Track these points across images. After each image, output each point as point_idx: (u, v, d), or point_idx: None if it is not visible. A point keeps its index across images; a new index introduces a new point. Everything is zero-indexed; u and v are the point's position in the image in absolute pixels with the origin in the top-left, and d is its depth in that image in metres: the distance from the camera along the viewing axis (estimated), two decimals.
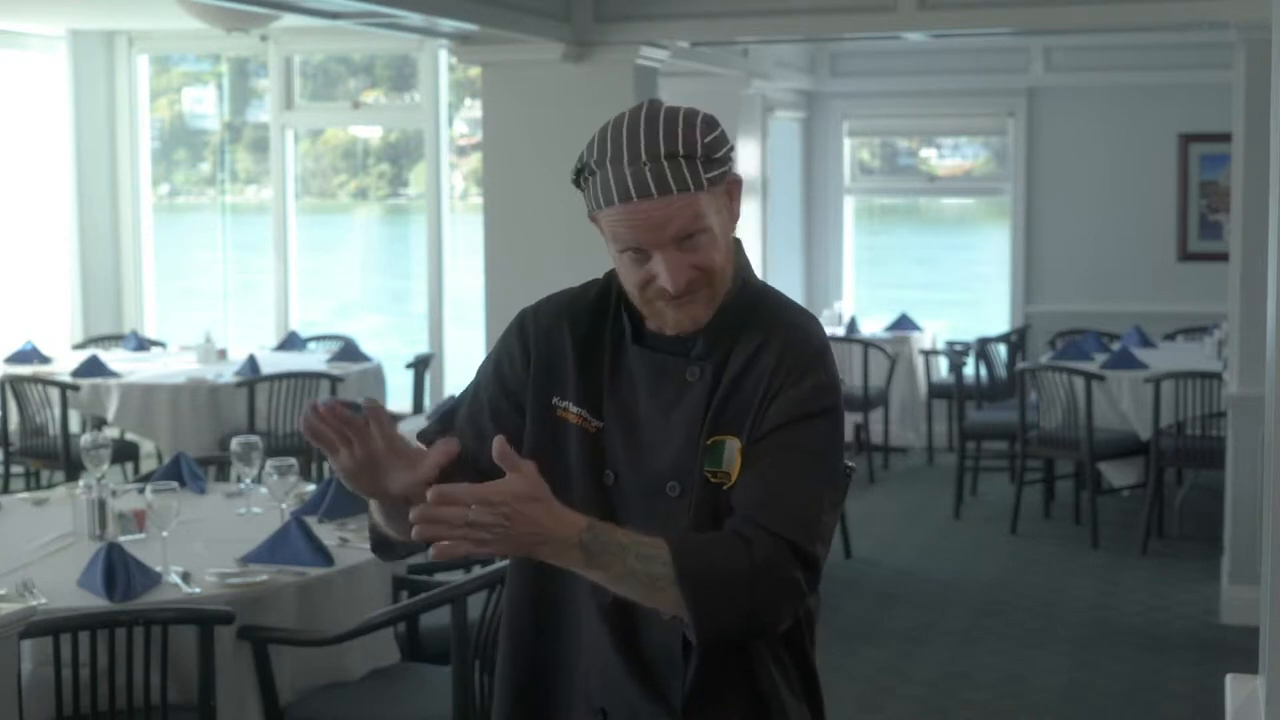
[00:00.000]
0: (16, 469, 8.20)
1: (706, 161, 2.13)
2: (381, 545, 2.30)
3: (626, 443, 2.20)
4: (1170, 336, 9.68)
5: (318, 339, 9.49)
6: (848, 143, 11.35)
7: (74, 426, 8.18)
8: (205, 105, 11.15)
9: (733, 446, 2.14)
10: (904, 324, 10.43)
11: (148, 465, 8.47)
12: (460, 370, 9.71)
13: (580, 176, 2.18)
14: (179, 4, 7.19)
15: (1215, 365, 8.04)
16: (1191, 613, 6.90)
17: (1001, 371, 9.83)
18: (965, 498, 8.90)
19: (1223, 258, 7.80)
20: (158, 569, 3.99)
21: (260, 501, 4.71)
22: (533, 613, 2.28)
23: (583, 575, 2.06)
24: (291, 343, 9.26)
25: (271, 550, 4.14)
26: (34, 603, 3.66)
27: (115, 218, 10.48)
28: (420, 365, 8.90)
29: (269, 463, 4.50)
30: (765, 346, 2.16)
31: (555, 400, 2.23)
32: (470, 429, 2.29)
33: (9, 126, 9.90)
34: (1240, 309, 6.53)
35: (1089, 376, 7.95)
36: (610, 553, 2.00)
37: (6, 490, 7.71)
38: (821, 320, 9.68)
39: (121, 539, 4.24)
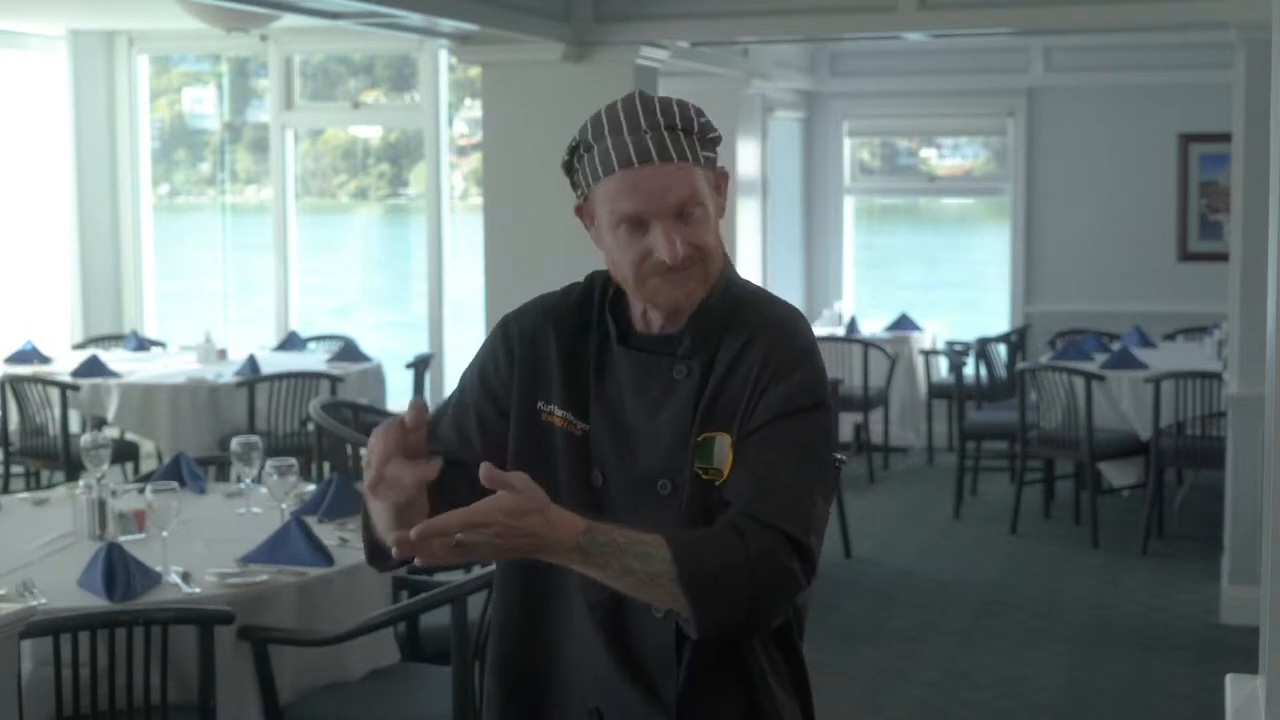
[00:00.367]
0: (16, 469, 8.20)
1: (702, 140, 2.18)
2: (376, 555, 2.28)
3: (614, 443, 2.21)
4: (1170, 336, 9.68)
5: (318, 339, 9.49)
6: (848, 143, 11.35)
7: (74, 426, 8.18)
8: (205, 105, 11.15)
9: (723, 442, 2.15)
10: (904, 324, 10.43)
11: (148, 465, 8.47)
12: (460, 370, 9.69)
13: (574, 157, 2.20)
14: (179, 4, 7.19)
15: (1215, 365, 8.04)
16: (1191, 613, 6.90)
17: (1001, 371, 9.83)
18: (965, 498, 8.90)
19: (1223, 258, 7.80)
20: (158, 569, 3.99)
21: (260, 501, 4.71)
22: (523, 614, 2.29)
23: (579, 571, 2.06)
24: (291, 343, 9.26)
25: (271, 550, 4.14)
26: (34, 603, 3.66)
27: (115, 218, 10.48)
28: (420, 365, 8.90)
29: (269, 463, 4.50)
30: (752, 343, 2.17)
31: (540, 405, 2.24)
32: (455, 434, 2.30)
33: (9, 126, 9.90)
34: (1240, 309, 6.53)
35: (1089, 376, 7.95)
36: (608, 553, 2.01)
37: (6, 490, 7.71)
38: (821, 320, 9.62)
39: (121, 539, 4.24)
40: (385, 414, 7.92)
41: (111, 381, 7.95)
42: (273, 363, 8.35)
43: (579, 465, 2.19)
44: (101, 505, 4.45)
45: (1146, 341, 9.13)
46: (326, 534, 4.38)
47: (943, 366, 10.50)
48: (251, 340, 9.91)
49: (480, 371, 2.31)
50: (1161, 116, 10.34)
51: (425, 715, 4.01)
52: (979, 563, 7.83)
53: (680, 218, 2.14)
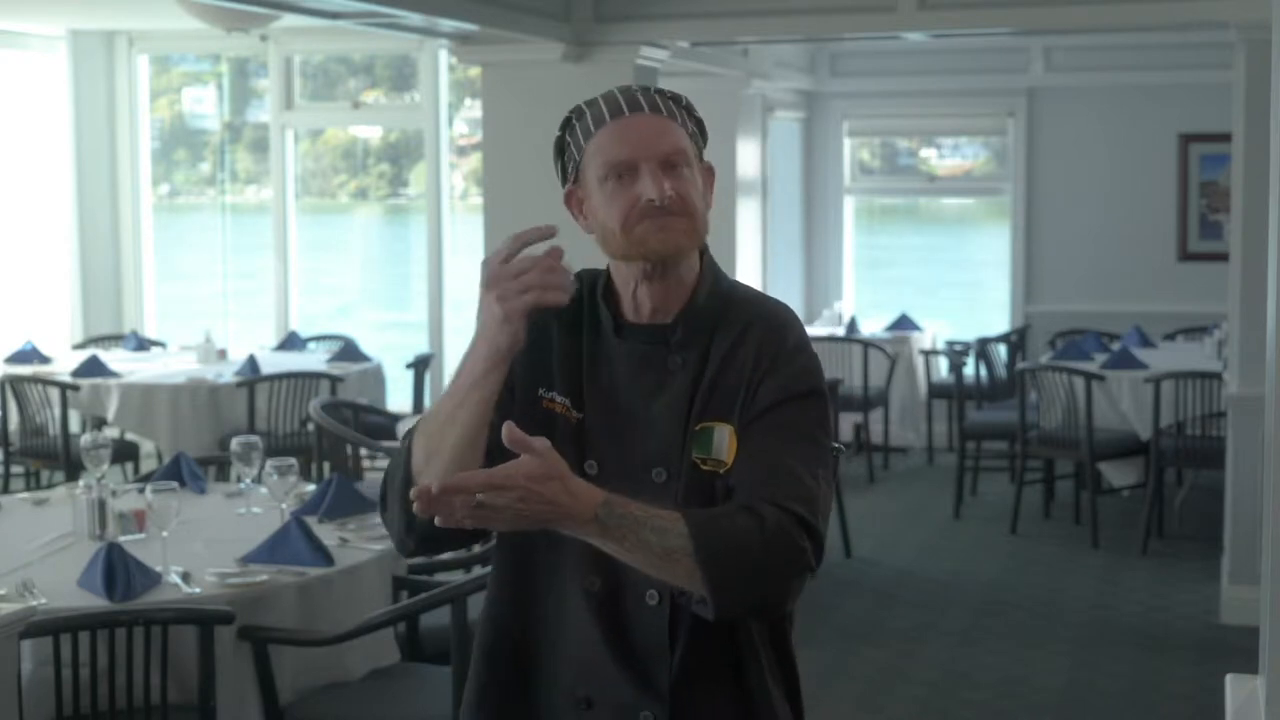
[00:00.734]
0: (16, 469, 8.20)
1: (689, 115, 2.28)
2: (427, 539, 2.19)
3: (609, 432, 2.23)
4: (1170, 336, 9.68)
5: (318, 339, 9.49)
6: (848, 143, 11.35)
7: (74, 426, 8.18)
8: (205, 105, 11.15)
9: (723, 432, 2.18)
10: (904, 324, 10.43)
11: (148, 465, 8.47)
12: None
13: (566, 131, 2.28)
14: (179, 4, 7.19)
15: (1215, 365, 8.04)
16: (1191, 613, 6.90)
17: (1001, 371, 9.83)
18: (965, 498, 8.90)
19: (1223, 258, 7.80)
20: (158, 569, 3.99)
21: (260, 501, 4.71)
22: (516, 598, 2.29)
23: (597, 545, 2.07)
24: (291, 343, 9.26)
25: (271, 550, 4.14)
26: (34, 603, 3.67)
27: (115, 218, 10.48)
28: (420, 365, 8.90)
29: (269, 463, 4.50)
30: (745, 334, 2.21)
31: (541, 391, 2.26)
32: None
33: (9, 126, 9.90)
34: (1240, 309, 6.53)
35: (1089, 376, 7.95)
36: (625, 526, 2.03)
37: (6, 490, 7.71)
38: (821, 320, 9.61)
39: (121, 539, 4.24)
40: (385, 414, 7.93)
41: (111, 381, 7.95)
42: (273, 363, 8.35)
43: (574, 453, 2.20)
44: (101, 505, 4.45)
45: (1146, 341, 9.13)
46: (326, 534, 4.38)
47: (943, 366, 10.50)
48: (251, 340, 9.91)
49: None
50: (1161, 116, 10.34)
51: (425, 715, 4.01)
52: (979, 563, 7.83)
53: (668, 168, 2.20)
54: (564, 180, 2.30)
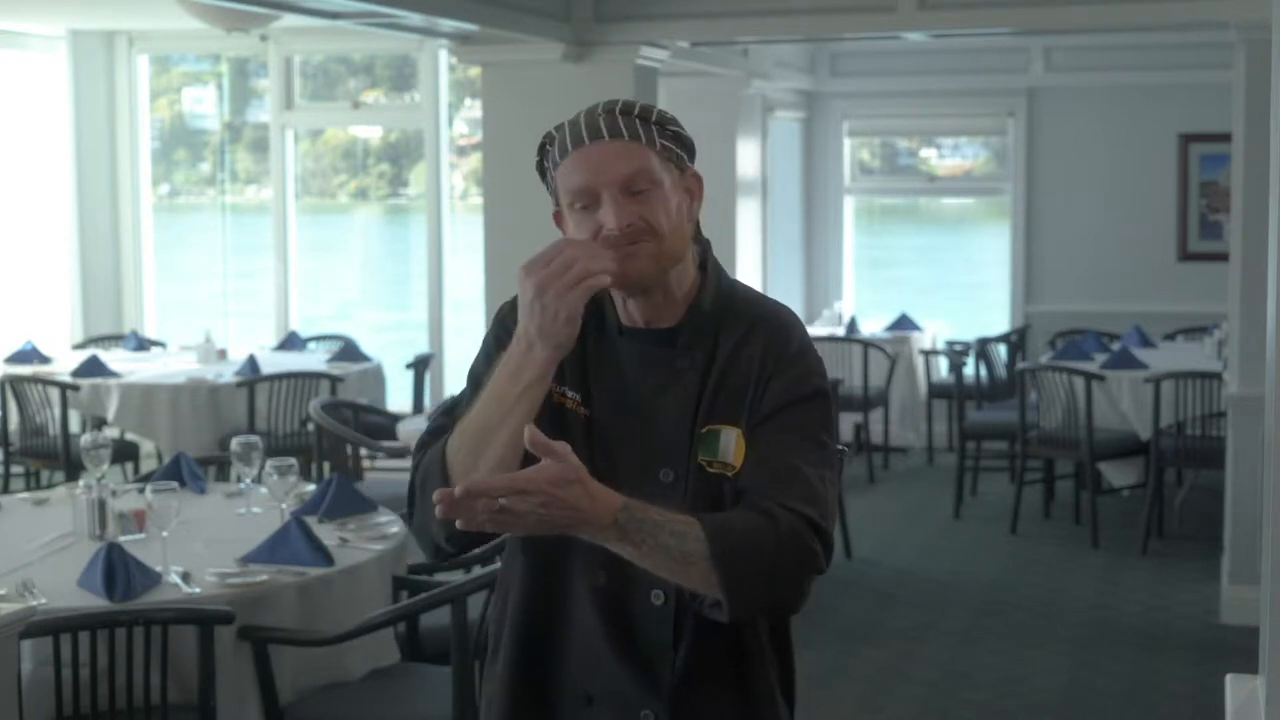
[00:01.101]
0: (16, 469, 8.20)
1: (660, 129, 2.23)
2: (453, 537, 2.19)
3: (616, 431, 2.24)
4: (1170, 336, 9.68)
5: (318, 339, 9.49)
6: (848, 143, 11.35)
7: (74, 426, 8.18)
8: (205, 105, 11.15)
9: (730, 435, 2.18)
10: (904, 324, 10.43)
11: (148, 465, 8.47)
12: (460, 370, 9.63)
13: (542, 155, 2.27)
14: (179, 4, 7.18)
15: (1215, 365, 8.04)
16: (1191, 613, 6.90)
17: (1001, 371, 9.83)
18: (965, 498, 8.90)
19: (1223, 258, 7.80)
20: (158, 569, 3.99)
21: (260, 501, 4.71)
22: (530, 606, 2.30)
23: (614, 549, 2.07)
24: (291, 343, 9.26)
25: (271, 550, 4.14)
26: (34, 603, 3.66)
27: (115, 218, 10.48)
28: (420, 365, 8.90)
29: (269, 463, 4.50)
30: (750, 336, 2.22)
31: (554, 386, 2.25)
32: None
33: (9, 126, 9.90)
34: (1240, 309, 6.53)
35: (1089, 376, 7.95)
36: (645, 530, 2.04)
37: (6, 490, 7.71)
38: (822, 320, 9.61)
39: (121, 539, 4.24)
40: (385, 414, 7.93)
41: (111, 381, 7.95)
42: (273, 363, 8.35)
43: (585, 450, 2.20)
44: (101, 505, 4.45)
45: (1146, 341, 9.13)
46: (326, 534, 4.38)
47: (943, 366, 10.50)
48: (251, 340, 9.91)
49: (489, 360, 2.32)
50: (1161, 116, 10.34)
51: (425, 715, 4.01)
52: (979, 563, 7.83)
53: (629, 192, 2.18)
54: (554, 200, 2.31)
